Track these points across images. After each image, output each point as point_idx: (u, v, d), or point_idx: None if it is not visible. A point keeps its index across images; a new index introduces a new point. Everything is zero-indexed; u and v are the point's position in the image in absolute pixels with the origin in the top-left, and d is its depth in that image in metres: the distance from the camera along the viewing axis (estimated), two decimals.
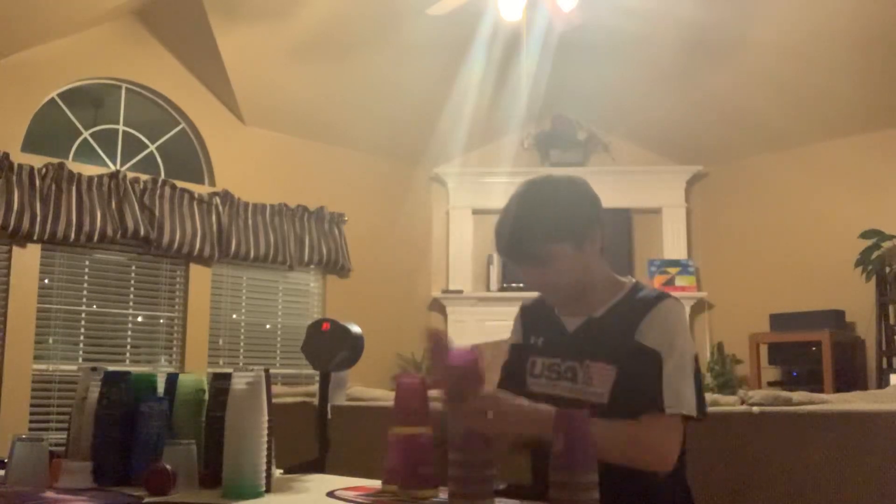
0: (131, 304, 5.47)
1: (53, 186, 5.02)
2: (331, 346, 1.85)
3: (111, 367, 1.77)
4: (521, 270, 1.78)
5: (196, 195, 5.61)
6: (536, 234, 1.70)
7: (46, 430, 4.92)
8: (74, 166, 5.17)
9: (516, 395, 1.61)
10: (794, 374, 6.01)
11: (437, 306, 6.94)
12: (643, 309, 1.69)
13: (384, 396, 3.37)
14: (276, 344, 6.13)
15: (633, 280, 1.82)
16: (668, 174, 7.07)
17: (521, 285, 6.77)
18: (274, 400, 1.57)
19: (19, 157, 4.99)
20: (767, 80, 5.91)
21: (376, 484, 1.59)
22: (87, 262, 5.30)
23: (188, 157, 5.87)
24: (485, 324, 6.62)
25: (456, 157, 7.08)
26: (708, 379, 6.29)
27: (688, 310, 6.73)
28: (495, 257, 6.94)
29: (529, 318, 1.92)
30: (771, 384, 5.99)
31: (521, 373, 1.84)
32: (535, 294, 1.92)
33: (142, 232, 5.29)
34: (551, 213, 1.72)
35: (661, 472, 1.60)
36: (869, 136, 6.10)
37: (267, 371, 1.50)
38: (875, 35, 5.24)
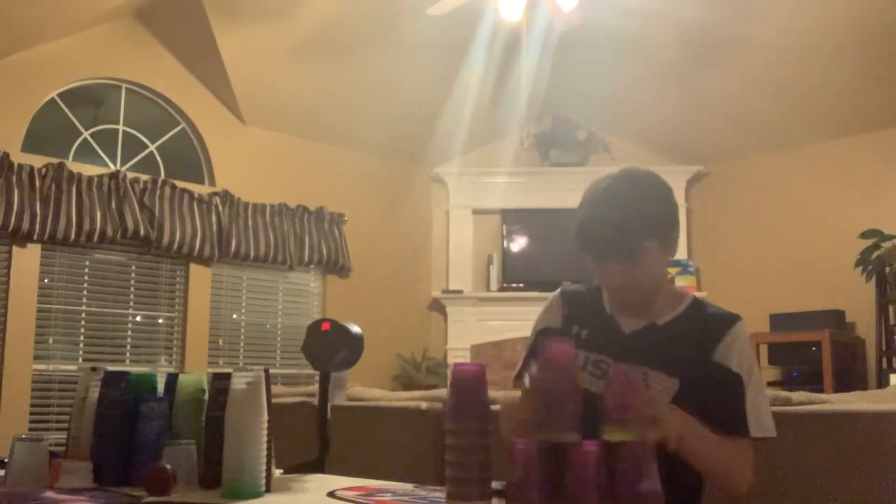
0: (131, 304, 5.47)
1: (53, 186, 5.02)
2: (331, 346, 1.85)
3: (111, 367, 1.77)
4: (602, 266, 1.69)
5: (196, 195, 5.61)
6: (631, 228, 1.64)
7: (46, 430, 4.92)
8: (74, 166, 5.17)
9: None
10: (794, 374, 6.01)
11: (437, 306, 6.94)
12: (719, 329, 1.67)
13: (384, 396, 3.37)
14: (276, 344, 6.13)
15: (692, 294, 1.79)
16: (668, 174, 6.97)
17: (521, 285, 6.79)
18: (274, 400, 1.57)
19: (19, 157, 4.99)
20: (767, 80, 5.91)
21: (376, 484, 1.59)
22: (87, 262, 5.30)
23: (188, 157, 5.87)
24: (485, 324, 6.63)
25: (456, 157, 7.08)
26: None
27: None
28: (495, 257, 6.94)
29: (574, 306, 1.84)
30: (771, 384, 5.99)
31: None
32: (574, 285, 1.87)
33: (142, 232, 5.29)
34: (647, 207, 1.66)
35: (735, 490, 1.62)
36: (869, 136, 6.10)
37: (267, 371, 1.50)
38: (875, 35, 5.24)
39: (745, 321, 1.72)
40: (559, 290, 1.90)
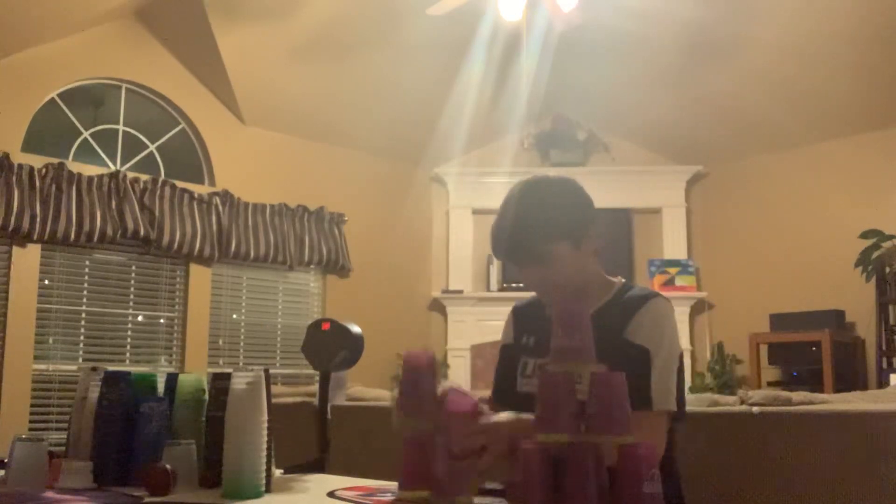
0: (131, 304, 5.47)
1: (53, 186, 5.02)
2: (331, 346, 1.85)
3: (111, 367, 1.77)
4: (519, 271, 1.79)
5: (196, 195, 5.61)
6: (537, 233, 1.72)
7: (46, 430, 4.92)
8: (74, 166, 5.17)
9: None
10: (794, 374, 6.01)
11: (437, 306, 6.94)
12: (632, 307, 1.71)
13: (384, 396, 3.37)
14: (276, 344, 6.13)
15: (623, 280, 1.84)
16: (668, 174, 7.07)
17: (521, 285, 6.78)
18: (274, 400, 1.57)
19: (19, 157, 4.99)
20: (767, 80, 5.91)
21: (376, 484, 1.59)
22: (87, 262, 5.30)
23: (188, 157, 5.87)
24: (484, 324, 6.63)
25: (456, 157, 7.08)
26: (708, 379, 6.29)
27: (687, 310, 6.73)
28: (495, 257, 6.94)
29: (521, 319, 1.93)
30: (771, 384, 5.99)
31: (512, 373, 1.84)
32: (528, 295, 1.93)
33: (142, 232, 5.29)
34: (550, 212, 1.73)
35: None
36: (869, 136, 6.10)
37: (267, 371, 1.50)
38: (875, 35, 5.24)
39: (664, 300, 1.75)
40: (511, 308, 1.99)
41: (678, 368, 1.70)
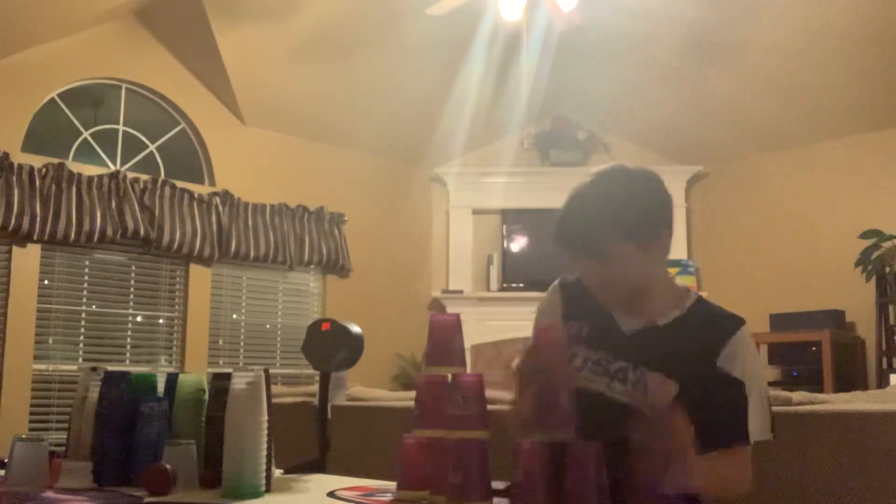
0: (131, 304, 5.47)
1: (53, 186, 5.02)
2: (331, 346, 1.85)
3: (111, 367, 1.77)
4: (577, 264, 1.67)
5: (196, 195, 5.61)
6: (601, 227, 1.60)
7: (46, 430, 4.92)
8: (74, 166, 5.17)
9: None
10: (794, 374, 6.01)
11: (437, 306, 6.94)
12: (723, 333, 1.64)
13: (384, 396, 3.38)
14: (276, 344, 6.13)
15: (696, 293, 1.74)
16: (668, 174, 6.97)
17: (522, 285, 6.79)
18: (274, 400, 1.57)
19: (19, 157, 4.99)
20: (768, 80, 5.91)
21: (376, 484, 1.59)
22: (87, 262, 5.30)
23: (188, 157, 5.87)
24: (485, 324, 6.62)
25: (456, 157, 7.08)
26: None
27: None
28: (495, 257, 6.95)
29: (572, 301, 1.78)
30: (771, 384, 5.98)
31: None
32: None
33: (142, 232, 5.29)
34: (620, 207, 1.61)
35: (735, 496, 1.62)
36: (869, 136, 6.10)
37: (267, 371, 1.51)
38: (875, 35, 5.24)
39: (747, 327, 1.69)
40: (558, 282, 1.85)
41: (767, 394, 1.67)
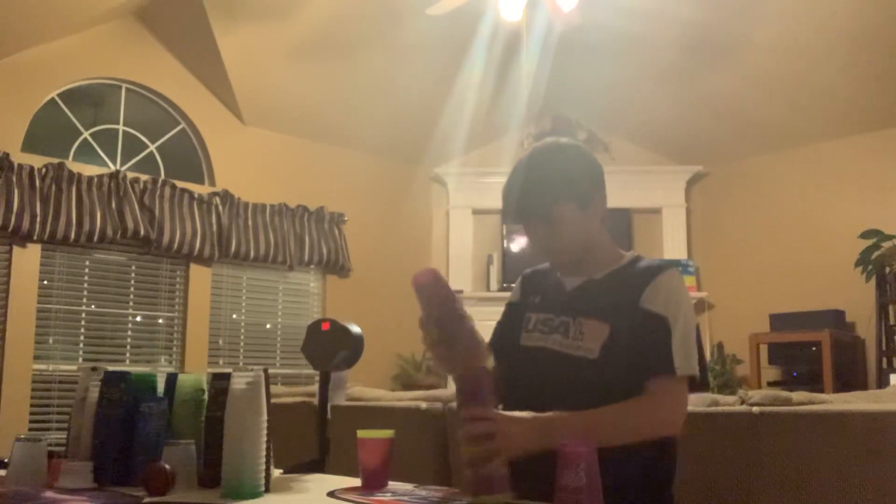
0: (131, 304, 5.47)
1: (53, 186, 5.02)
2: (331, 346, 1.85)
3: (111, 367, 1.77)
4: (527, 231, 1.81)
5: (196, 195, 5.61)
6: (544, 194, 1.74)
7: (46, 430, 4.92)
8: (74, 166, 5.17)
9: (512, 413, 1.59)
10: (794, 374, 6.01)
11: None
12: (647, 276, 1.73)
13: (384, 396, 3.37)
14: (276, 344, 6.13)
15: (636, 253, 1.86)
16: (668, 174, 7.07)
17: None
18: (274, 400, 1.57)
19: (19, 157, 4.99)
20: (767, 80, 5.91)
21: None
22: (87, 262, 5.30)
23: (188, 157, 5.87)
24: (485, 324, 6.60)
25: (456, 157, 7.08)
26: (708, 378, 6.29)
27: None
28: (495, 257, 6.95)
29: (530, 282, 1.97)
30: (771, 384, 5.99)
31: (516, 329, 1.87)
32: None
33: (142, 232, 5.29)
34: (558, 174, 1.76)
35: (670, 434, 1.67)
36: (869, 136, 6.10)
37: (266, 371, 1.50)
38: (875, 35, 5.24)
39: (677, 270, 1.77)
40: (522, 274, 2.03)
41: (697, 337, 1.72)
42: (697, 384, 1.70)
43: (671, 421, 1.65)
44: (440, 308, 1.53)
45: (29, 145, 5.12)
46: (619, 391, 1.64)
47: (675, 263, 1.97)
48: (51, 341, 5.12)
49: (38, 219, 4.91)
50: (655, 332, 1.66)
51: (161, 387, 1.75)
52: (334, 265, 6.32)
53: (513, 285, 2.04)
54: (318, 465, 1.80)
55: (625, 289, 1.73)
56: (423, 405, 3.00)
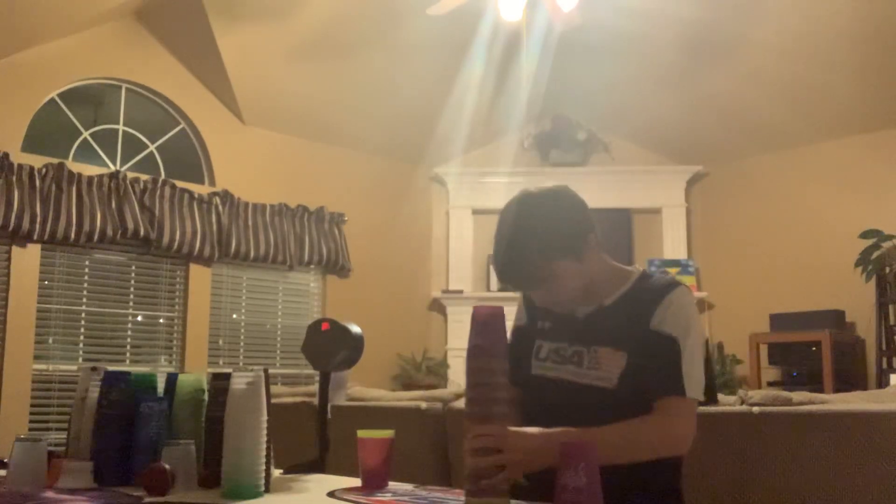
0: (131, 304, 5.47)
1: (53, 186, 5.02)
2: (331, 346, 1.85)
3: (111, 367, 1.77)
4: (529, 293, 1.81)
5: (196, 195, 5.61)
6: (536, 259, 1.69)
7: (46, 430, 4.92)
8: (74, 166, 5.17)
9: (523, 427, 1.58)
10: (794, 374, 6.01)
11: (437, 306, 6.94)
12: (656, 296, 1.71)
13: (384, 396, 3.37)
14: (276, 344, 6.13)
15: (640, 269, 1.84)
16: (668, 174, 7.07)
17: None
18: (274, 400, 1.57)
19: (19, 157, 4.99)
20: (767, 80, 5.91)
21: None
22: (87, 262, 5.30)
23: (188, 157, 5.87)
24: None
25: (456, 157, 7.08)
26: None
27: None
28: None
29: (534, 303, 1.90)
30: (771, 384, 5.99)
31: (526, 356, 1.84)
32: None
33: (142, 232, 5.29)
34: (545, 235, 1.70)
35: (679, 454, 1.68)
36: (869, 136, 6.10)
37: (266, 371, 1.50)
38: (875, 35, 5.24)
39: (686, 288, 1.76)
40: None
41: (706, 357, 1.72)
42: (707, 399, 1.71)
43: (682, 440, 1.65)
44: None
45: (29, 145, 5.12)
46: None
47: (683, 264, 1.94)
48: (51, 341, 5.12)
49: (38, 219, 4.91)
50: (666, 353, 1.66)
51: (161, 387, 1.75)
52: (334, 265, 6.31)
53: (514, 323, 1.97)
54: (318, 465, 1.80)
55: (635, 312, 1.72)
56: (423, 405, 3.00)
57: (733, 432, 2.31)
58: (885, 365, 5.71)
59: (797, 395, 2.33)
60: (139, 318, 5.54)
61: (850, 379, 5.78)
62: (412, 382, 6.22)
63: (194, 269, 5.66)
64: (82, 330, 5.25)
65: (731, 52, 5.74)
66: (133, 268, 5.49)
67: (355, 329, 1.87)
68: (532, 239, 1.70)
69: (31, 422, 4.90)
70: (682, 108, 6.42)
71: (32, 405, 4.95)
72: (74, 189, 5.08)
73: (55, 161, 5.09)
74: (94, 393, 1.68)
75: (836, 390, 5.38)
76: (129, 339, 5.48)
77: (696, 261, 6.91)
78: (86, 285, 5.29)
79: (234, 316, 5.95)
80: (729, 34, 5.60)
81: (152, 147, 5.71)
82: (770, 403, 2.28)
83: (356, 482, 1.61)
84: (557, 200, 1.75)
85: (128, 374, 1.70)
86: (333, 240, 6.32)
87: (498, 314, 1.44)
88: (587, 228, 1.75)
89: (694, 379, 1.65)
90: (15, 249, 4.95)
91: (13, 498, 1.45)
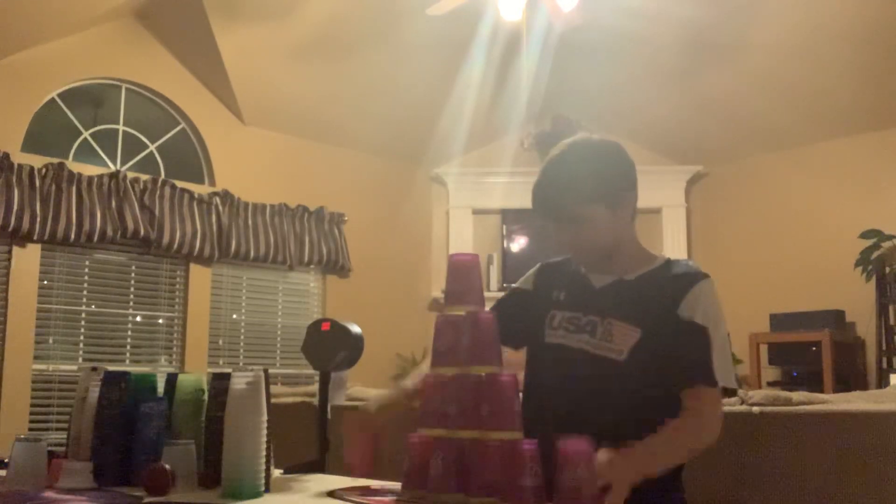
0: (131, 304, 5.47)
1: (53, 186, 5.02)
2: (331, 346, 1.85)
3: (111, 367, 1.77)
4: (553, 228, 1.79)
5: (196, 195, 5.61)
6: (572, 194, 1.73)
7: (46, 430, 4.92)
8: (74, 166, 5.17)
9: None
10: (794, 374, 6.01)
11: (437, 306, 6.94)
12: (685, 283, 1.73)
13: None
14: (276, 344, 6.13)
15: (666, 255, 1.85)
16: (668, 174, 7.06)
17: None
18: (274, 400, 1.57)
19: (19, 157, 4.99)
20: (767, 81, 5.91)
21: (377, 484, 1.59)
22: (87, 262, 5.30)
23: (188, 157, 5.87)
24: None
25: (456, 157, 7.08)
26: None
27: None
28: (496, 257, 6.95)
29: (549, 274, 1.93)
30: (771, 384, 5.99)
31: (537, 324, 1.83)
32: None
33: (142, 232, 5.29)
34: (588, 174, 1.74)
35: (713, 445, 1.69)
36: (869, 136, 6.10)
37: (266, 371, 1.50)
38: (875, 35, 5.24)
39: (712, 280, 1.77)
40: (540, 264, 1.99)
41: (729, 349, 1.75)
42: (729, 391, 1.75)
43: (714, 433, 1.67)
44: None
45: (29, 145, 5.12)
46: (642, 394, 1.67)
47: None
48: (51, 341, 5.12)
49: (38, 219, 4.91)
50: (695, 343, 1.67)
51: (161, 387, 1.75)
52: (334, 265, 6.31)
53: (513, 285, 2.00)
54: (318, 465, 1.80)
55: (659, 295, 1.73)
56: None
57: (733, 432, 2.31)
58: (885, 365, 5.71)
59: (797, 395, 2.33)
60: (139, 318, 5.54)
61: (850, 379, 5.78)
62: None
63: (194, 269, 5.66)
64: (82, 330, 5.25)
65: (732, 52, 5.74)
66: (133, 268, 5.49)
67: (355, 329, 1.87)
68: (574, 174, 1.74)
69: (31, 422, 4.90)
70: (682, 108, 6.42)
71: (32, 405, 4.95)
72: (74, 189, 5.08)
73: (55, 161, 5.09)
74: (95, 393, 1.68)
75: (836, 390, 5.38)
76: (129, 340, 5.48)
77: (696, 261, 6.88)
78: (86, 285, 5.29)
79: (234, 316, 5.95)
80: (729, 34, 5.60)
81: (152, 147, 5.71)
82: (770, 403, 2.29)
83: (356, 482, 1.61)
84: (608, 149, 1.80)
85: (128, 374, 1.70)
86: (333, 240, 6.32)
87: (473, 261, 1.49)
88: (627, 186, 1.78)
89: (724, 370, 1.68)
90: (15, 249, 4.95)
91: (13, 498, 1.45)
